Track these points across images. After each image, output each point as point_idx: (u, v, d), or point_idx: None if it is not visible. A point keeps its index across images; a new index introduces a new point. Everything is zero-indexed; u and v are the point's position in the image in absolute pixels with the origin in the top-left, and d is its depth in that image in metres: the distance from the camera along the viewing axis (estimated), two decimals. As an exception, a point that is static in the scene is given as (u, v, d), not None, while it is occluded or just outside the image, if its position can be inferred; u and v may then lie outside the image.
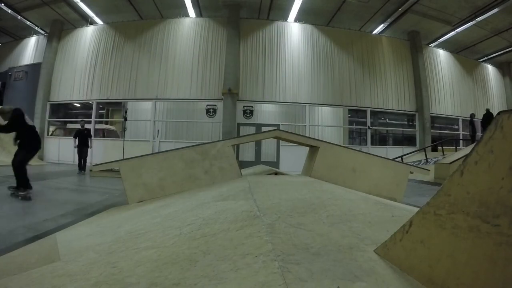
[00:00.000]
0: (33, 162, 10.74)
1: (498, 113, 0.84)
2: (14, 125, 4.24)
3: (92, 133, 10.70)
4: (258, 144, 11.54)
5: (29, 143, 4.34)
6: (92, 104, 12.59)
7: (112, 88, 12.40)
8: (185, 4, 11.90)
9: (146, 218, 2.34)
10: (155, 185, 3.57)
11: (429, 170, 5.26)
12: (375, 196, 3.16)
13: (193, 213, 2.07)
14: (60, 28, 13.20)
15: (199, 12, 12.66)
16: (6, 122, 4.27)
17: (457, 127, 14.64)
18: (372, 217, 1.73)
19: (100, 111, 13.71)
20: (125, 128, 11.66)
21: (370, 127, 12.74)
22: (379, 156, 4.29)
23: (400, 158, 9.95)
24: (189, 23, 12.68)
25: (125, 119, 11.04)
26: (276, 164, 10.93)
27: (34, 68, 13.01)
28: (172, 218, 2.09)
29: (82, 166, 8.33)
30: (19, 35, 14.15)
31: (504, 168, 0.77)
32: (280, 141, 10.00)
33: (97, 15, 12.77)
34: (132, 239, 1.71)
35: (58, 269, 1.40)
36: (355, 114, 13.95)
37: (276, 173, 4.90)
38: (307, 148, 4.49)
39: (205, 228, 1.63)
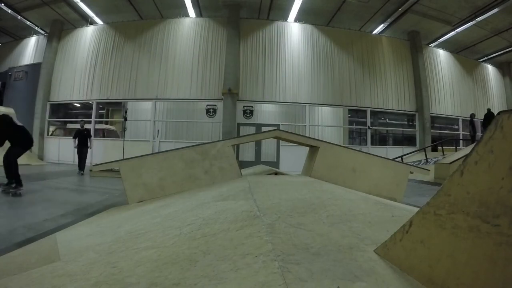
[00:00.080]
0: (33, 162, 10.79)
1: (498, 113, 0.84)
2: (3, 130, 4.35)
3: (92, 133, 10.71)
4: (258, 144, 11.54)
5: (21, 141, 4.49)
6: (92, 104, 12.59)
7: (112, 88, 12.41)
8: (185, 4, 11.91)
9: (146, 218, 2.34)
10: (155, 185, 3.57)
11: (429, 170, 5.26)
12: (375, 196, 3.16)
13: (193, 213, 2.07)
14: (60, 28, 13.20)
15: (199, 12, 12.66)
16: None
17: (457, 127, 14.65)
18: (372, 217, 1.73)
19: (100, 111, 13.71)
20: (125, 128, 11.66)
21: (370, 127, 12.74)
22: (379, 156, 4.29)
23: (400, 158, 9.95)
24: (189, 23, 12.68)
25: (125, 119, 11.05)
26: (276, 164, 10.93)
27: (34, 68, 13.01)
28: (172, 218, 2.09)
29: (82, 166, 8.32)
30: (19, 35, 14.15)
31: (504, 168, 0.77)
32: (280, 141, 10.00)
33: (97, 15, 12.77)
34: (132, 239, 1.71)
35: (58, 269, 1.40)
36: (355, 114, 13.95)
37: (276, 173, 4.90)
38: (307, 148, 4.49)
39: (205, 228, 1.63)
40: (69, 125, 13.76)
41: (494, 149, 0.81)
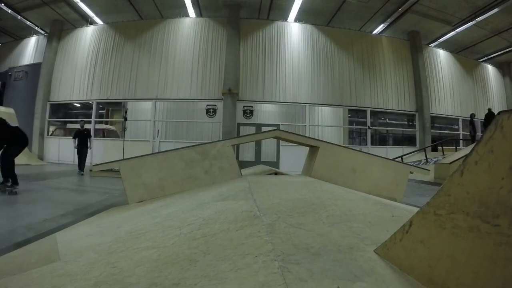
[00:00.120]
0: (33, 162, 10.78)
1: (498, 113, 0.84)
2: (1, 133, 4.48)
3: (92, 133, 10.70)
4: (258, 144, 11.54)
5: (17, 141, 4.62)
6: (92, 104, 12.59)
7: (112, 88, 12.41)
8: (185, 4, 11.91)
9: (146, 218, 2.34)
10: (155, 185, 3.57)
11: (429, 170, 5.26)
12: (375, 196, 3.16)
13: (193, 213, 2.07)
14: (60, 28, 13.20)
15: (199, 12, 12.66)
16: None
17: (457, 127, 14.65)
18: (372, 217, 1.73)
19: (100, 111, 13.72)
20: (125, 128, 11.66)
21: (370, 127, 12.74)
22: (379, 156, 4.29)
23: (400, 158, 9.95)
24: (189, 23, 12.68)
25: (125, 119, 11.05)
26: (276, 164, 10.93)
27: (34, 68, 13.01)
28: (172, 218, 2.09)
29: (81, 166, 8.31)
30: (19, 35, 14.15)
31: (504, 168, 0.77)
32: (280, 141, 10.00)
33: (97, 15, 12.77)
34: (132, 239, 1.71)
35: (58, 269, 1.40)
36: (355, 114, 13.95)
37: (276, 173, 4.90)
38: (307, 148, 4.49)
39: (205, 228, 1.63)
40: (69, 125, 13.76)
41: (494, 149, 0.81)
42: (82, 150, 8.39)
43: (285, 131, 4.73)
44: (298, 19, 12.76)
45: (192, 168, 3.69)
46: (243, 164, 8.13)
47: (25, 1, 11.60)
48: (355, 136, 15.21)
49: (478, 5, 11.04)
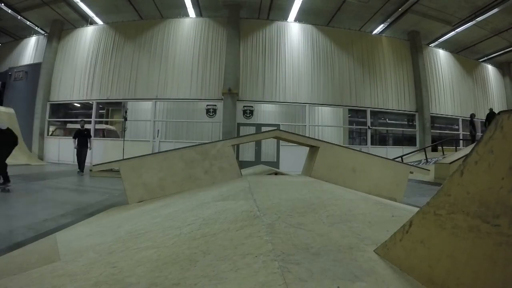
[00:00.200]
0: (33, 162, 10.79)
1: (498, 113, 0.84)
2: None
3: (92, 133, 10.70)
4: (258, 144, 11.54)
5: (8, 142, 4.86)
6: (92, 104, 12.59)
7: (112, 88, 12.41)
8: (185, 4, 11.90)
9: (146, 218, 2.34)
10: (155, 185, 3.57)
11: (429, 170, 5.26)
12: (375, 196, 3.16)
13: (193, 213, 2.07)
14: (60, 28, 13.20)
15: (199, 12, 12.66)
16: None
17: (457, 127, 14.65)
18: (372, 217, 1.73)
19: (100, 111, 13.71)
20: (125, 128, 11.66)
21: (370, 127, 12.74)
22: (379, 156, 4.29)
23: (400, 158, 9.95)
24: (189, 23, 12.68)
25: (125, 119, 11.05)
26: (276, 164, 10.93)
27: (34, 68, 13.01)
28: (172, 218, 2.09)
29: (81, 166, 8.31)
30: (19, 35, 14.15)
31: (504, 168, 0.77)
32: (280, 141, 10.00)
33: (97, 15, 12.77)
34: (132, 239, 1.71)
35: (58, 269, 1.40)
36: (355, 114, 13.95)
37: (276, 173, 4.90)
38: (307, 148, 4.49)
39: (205, 228, 1.63)
40: (69, 125, 13.75)
41: (494, 149, 0.81)
42: (82, 150, 8.39)
43: (285, 131, 4.73)
44: (298, 19, 12.76)
45: (192, 168, 3.69)
46: (243, 164, 8.13)
47: (25, 1, 11.60)
48: (355, 136, 15.21)
49: (478, 5, 11.04)
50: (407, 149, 12.29)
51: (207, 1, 11.94)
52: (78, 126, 9.34)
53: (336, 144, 4.29)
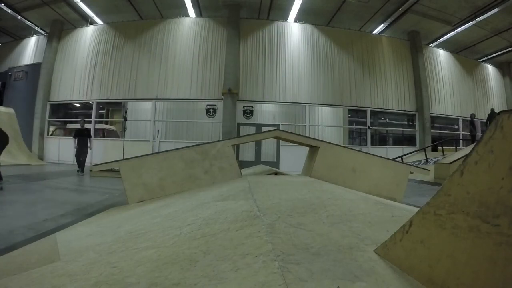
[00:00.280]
0: (33, 162, 10.79)
1: (498, 113, 0.84)
2: None
3: (92, 133, 10.70)
4: (258, 144, 11.54)
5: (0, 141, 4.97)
6: (92, 104, 12.59)
7: (112, 88, 12.41)
8: (185, 4, 11.91)
9: (146, 218, 2.34)
10: (155, 185, 3.57)
11: (429, 170, 5.26)
12: (375, 196, 3.16)
13: (193, 213, 2.07)
14: (60, 28, 13.20)
15: (199, 12, 12.66)
16: None
17: (457, 127, 14.65)
18: (372, 217, 1.73)
19: (100, 111, 13.72)
20: (125, 128, 11.66)
21: (370, 127, 12.74)
22: (379, 156, 4.29)
23: (400, 158, 9.95)
24: (189, 23, 12.68)
25: (125, 119, 11.05)
26: (276, 164, 10.93)
27: (34, 68, 13.01)
28: (172, 218, 2.09)
29: (81, 166, 8.30)
30: (19, 35, 14.15)
31: (504, 168, 0.77)
32: (280, 141, 10.00)
33: (97, 15, 12.77)
34: (132, 239, 1.71)
35: (58, 269, 1.40)
36: (355, 114, 13.95)
37: (276, 173, 4.89)
38: (307, 148, 4.49)
39: (205, 228, 1.63)
40: (69, 125, 13.76)
41: (494, 149, 0.81)
42: (82, 150, 8.38)
43: (285, 131, 4.73)
44: (298, 19, 12.76)
45: (192, 168, 3.69)
46: (243, 164, 8.13)
47: (25, 1, 11.60)
48: (355, 136, 15.21)
49: (478, 5, 11.04)
50: (407, 149, 12.29)
51: (207, 1, 11.95)
52: (78, 126, 9.34)
53: (336, 144, 4.29)
